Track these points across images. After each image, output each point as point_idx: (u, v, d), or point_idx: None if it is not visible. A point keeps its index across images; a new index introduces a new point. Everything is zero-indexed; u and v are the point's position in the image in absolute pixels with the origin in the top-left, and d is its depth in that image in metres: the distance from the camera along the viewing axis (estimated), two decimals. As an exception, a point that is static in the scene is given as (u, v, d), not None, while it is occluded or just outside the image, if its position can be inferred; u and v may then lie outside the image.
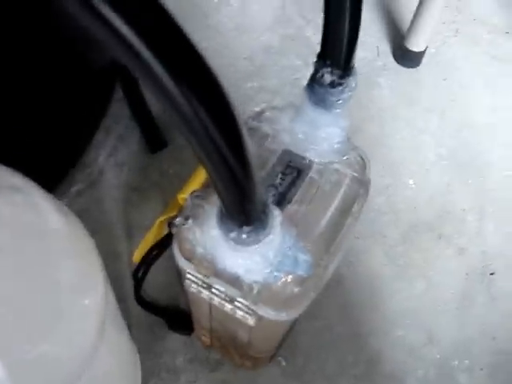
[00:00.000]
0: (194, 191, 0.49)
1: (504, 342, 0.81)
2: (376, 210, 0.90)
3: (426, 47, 1.03)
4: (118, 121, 0.93)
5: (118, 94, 0.95)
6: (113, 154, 0.90)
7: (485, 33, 1.13)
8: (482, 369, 0.79)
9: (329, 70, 0.46)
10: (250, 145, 0.32)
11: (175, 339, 0.77)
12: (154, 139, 0.91)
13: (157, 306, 0.77)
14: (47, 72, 0.71)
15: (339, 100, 0.48)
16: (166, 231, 0.63)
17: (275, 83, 1.00)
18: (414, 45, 1.02)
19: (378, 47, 1.08)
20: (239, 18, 1.08)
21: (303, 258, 0.47)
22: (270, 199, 0.49)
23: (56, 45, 0.71)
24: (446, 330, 0.81)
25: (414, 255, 0.87)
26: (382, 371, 0.78)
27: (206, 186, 0.51)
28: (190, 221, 0.48)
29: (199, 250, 0.47)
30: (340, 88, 0.47)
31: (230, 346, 0.68)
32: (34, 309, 0.38)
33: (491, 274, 0.86)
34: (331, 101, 0.48)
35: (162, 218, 0.62)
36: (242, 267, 0.45)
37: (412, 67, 1.06)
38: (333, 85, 0.47)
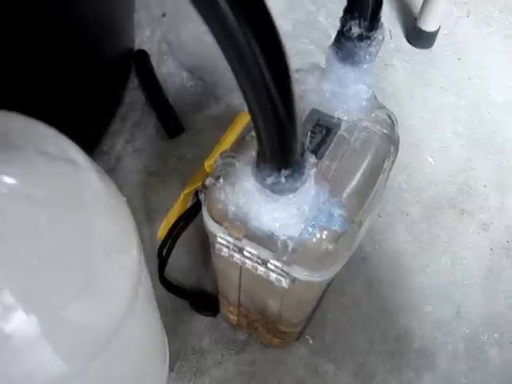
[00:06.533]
0: (224, 151, 0.49)
1: (533, 316, 0.80)
2: (397, 187, 0.89)
3: (439, 27, 1.03)
4: (133, 108, 0.93)
5: (132, 82, 0.95)
6: (130, 141, 0.90)
7: (496, 12, 1.13)
8: (512, 342, 0.78)
9: (356, 22, 0.46)
10: (294, 81, 0.31)
11: (200, 321, 0.76)
12: (171, 125, 0.90)
13: (181, 287, 0.77)
14: (61, 62, 0.71)
15: (367, 54, 0.48)
16: (190, 204, 0.62)
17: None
18: (427, 25, 1.02)
19: (390, 30, 1.07)
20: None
21: (338, 212, 0.46)
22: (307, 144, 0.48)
23: (69, 34, 0.70)
24: (473, 305, 0.80)
25: (437, 231, 0.86)
26: (411, 347, 0.76)
27: (235, 147, 0.51)
28: (221, 180, 0.47)
29: (231, 209, 0.46)
30: (368, 41, 0.47)
31: (258, 322, 0.67)
32: (68, 264, 0.38)
33: (516, 248, 0.85)
34: (359, 55, 0.47)
35: (186, 191, 0.61)
36: (277, 222, 0.44)
37: (425, 48, 1.05)
38: (361, 38, 0.46)
